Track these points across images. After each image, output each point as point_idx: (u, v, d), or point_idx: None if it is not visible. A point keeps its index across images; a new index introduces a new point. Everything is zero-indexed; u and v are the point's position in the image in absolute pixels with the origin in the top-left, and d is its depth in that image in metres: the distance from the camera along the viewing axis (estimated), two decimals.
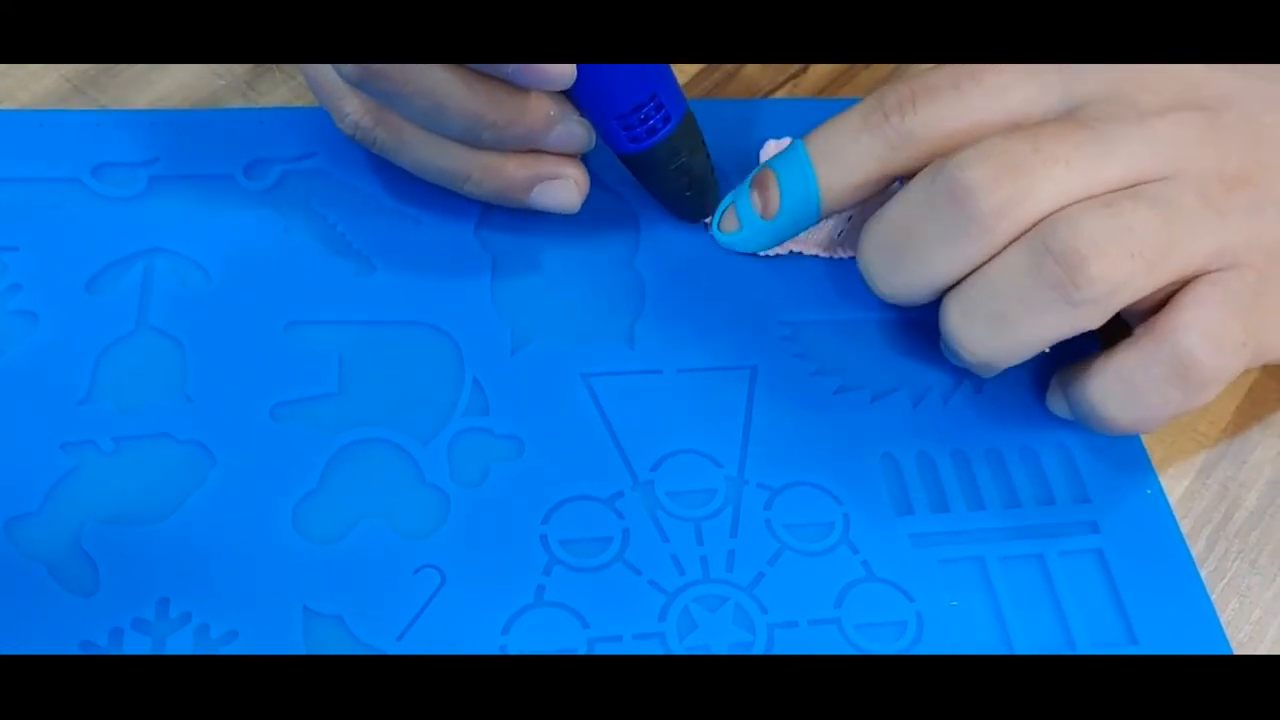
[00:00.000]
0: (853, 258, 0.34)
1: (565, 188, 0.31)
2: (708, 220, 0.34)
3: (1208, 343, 0.28)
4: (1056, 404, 0.31)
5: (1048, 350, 0.29)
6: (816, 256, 0.34)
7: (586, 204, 0.34)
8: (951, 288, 0.29)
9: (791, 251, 0.34)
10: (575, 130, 0.31)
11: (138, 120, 0.35)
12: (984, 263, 0.28)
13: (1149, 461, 0.31)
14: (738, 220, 0.33)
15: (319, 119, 0.35)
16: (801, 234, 0.34)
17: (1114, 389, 0.29)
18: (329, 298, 0.32)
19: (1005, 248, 0.28)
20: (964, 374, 0.32)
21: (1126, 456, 0.31)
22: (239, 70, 0.37)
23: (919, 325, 0.33)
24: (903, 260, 0.29)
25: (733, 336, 0.32)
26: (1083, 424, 0.30)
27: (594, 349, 0.32)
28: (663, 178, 0.33)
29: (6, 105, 0.35)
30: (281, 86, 0.37)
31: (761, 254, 0.34)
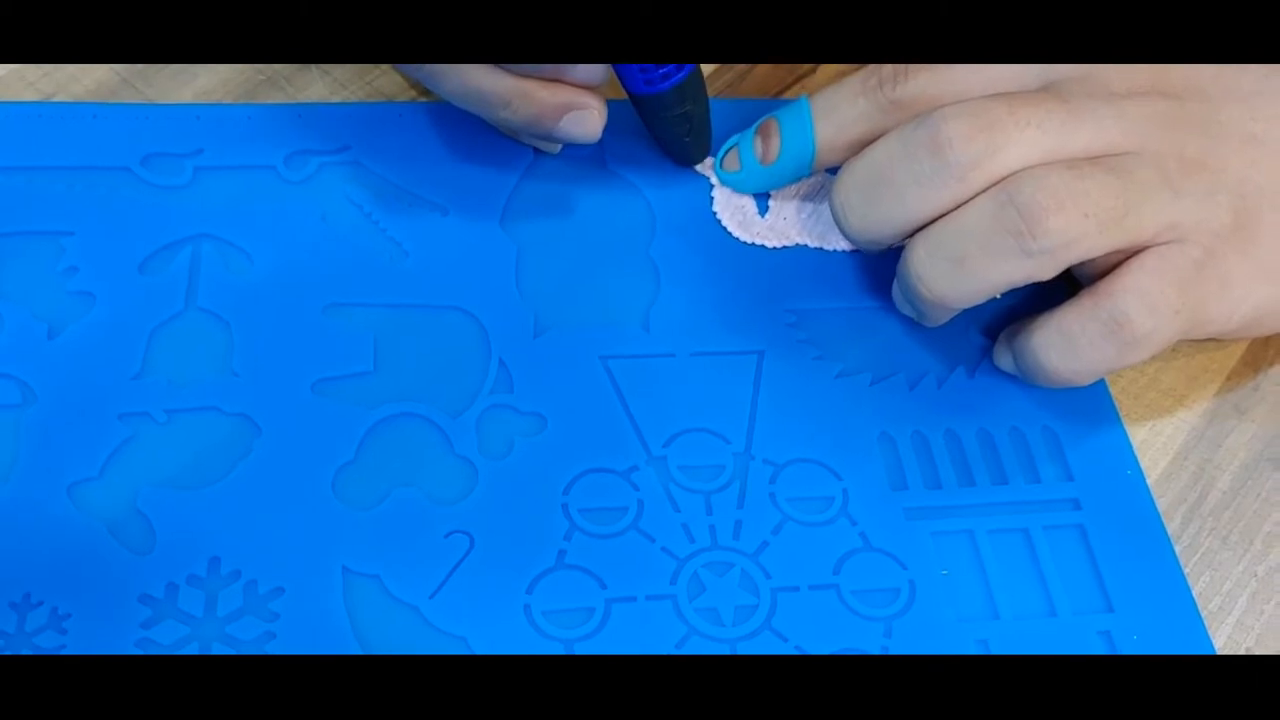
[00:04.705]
0: (854, 250, 0.36)
1: (590, 118, 0.33)
2: (699, 166, 0.37)
3: (1142, 305, 0.30)
4: (1002, 358, 0.34)
5: (998, 296, 0.32)
6: (821, 249, 0.36)
7: (606, 197, 0.36)
8: (917, 231, 0.32)
9: (797, 244, 0.36)
10: (596, 65, 0.33)
11: (184, 114, 0.37)
12: (952, 209, 0.31)
13: (1129, 443, 0.34)
14: (739, 162, 0.36)
15: (354, 115, 0.37)
16: (806, 223, 0.36)
17: (1054, 341, 0.31)
18: (364, 282, 0.34)
19: (974, 196, 0.30)
20: (958, 360, 0.34)
21: (1108, 439, 0.33)
22: (277, 67, 0.39)
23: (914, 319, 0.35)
24: (877, 200, 0.32)
25: (742, 323, 0.35)
26: (1024, 377, 0.33)
27: (612, 333, 0.34)
28: (666, 121, 0.36)
29: (61, 97, 0.37)
30: (318, 82, 0.39)
31: (769, 246, 0.36)
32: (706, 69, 0.41)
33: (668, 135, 0.36)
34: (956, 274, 0.31)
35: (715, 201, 0.37)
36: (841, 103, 0.34)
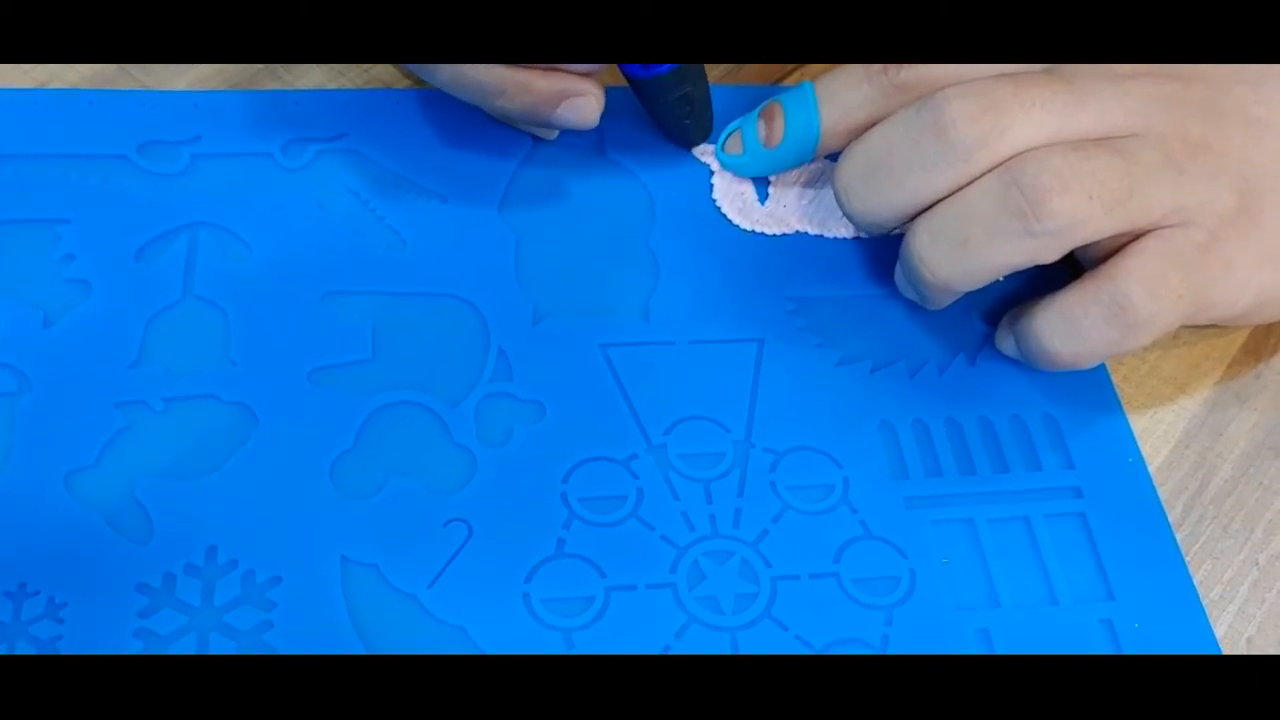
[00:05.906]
0: (854, 237, 0.36)
1: (587, 104, 0.33)
2: (699, 149, 0.37)
3: (1145, 290, 0.30)
4: (1004, 341, 0.34)
5: (1000, 279, 0.32)
6: (821, 236, 0.36)
7: (605, 185, 0.36)
8: (920, 214, 0.31)
9: (797, 231, 0.36)
10: None
11: (181, 101, 0.37)
12: (955, 190, 0.31)
13: (1131, 431, 0.33)
14: (742, 145, 0.36)
15: (351, 101, 0.37)
16: (806, 210, 0.36)
17: (1057, 324, 0.31)
18: (362, 270, 0.34)
19: (977, 178, 0.30)
20: (959, 348, 0.34)
21: (1109, 427, 0.33)
22: None
23: (916, 303, 0.35)
24: (880, 182, 0.32)
25: (741, 310, 0.34)
26: (1026, 360, 0.33)
27: (611, 321, 0.34)
28: (666, 104, 0.36)
29: (56, 85, 0.37)
30: (314, 70, 0.38)
31: (769, 233, 0.36)
32: None
33: (668, 118, 0.36)
34: (959, 256, 0.31)
35: (715, 189, 0.37)
36: (844, 88, 0.33)
